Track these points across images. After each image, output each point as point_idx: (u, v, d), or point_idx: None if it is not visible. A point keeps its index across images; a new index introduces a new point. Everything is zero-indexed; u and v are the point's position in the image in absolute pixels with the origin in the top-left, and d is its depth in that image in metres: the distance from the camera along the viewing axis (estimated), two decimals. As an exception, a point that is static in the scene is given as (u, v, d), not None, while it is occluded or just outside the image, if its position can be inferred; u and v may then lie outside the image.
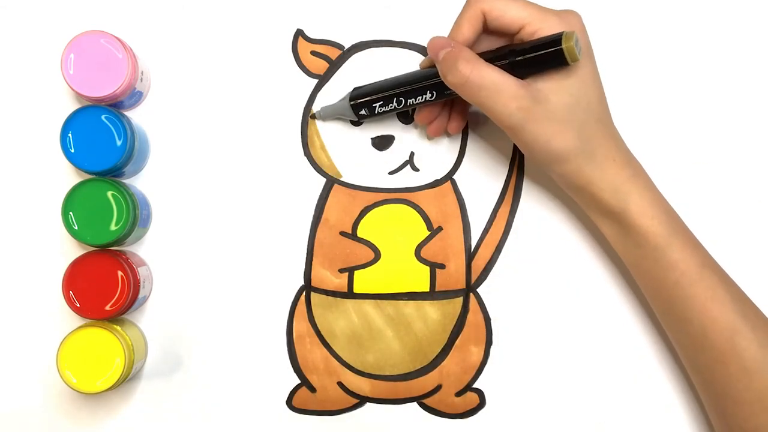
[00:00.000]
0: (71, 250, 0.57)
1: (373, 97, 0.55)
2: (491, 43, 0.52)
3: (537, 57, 0.49)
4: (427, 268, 0.58)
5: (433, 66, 0.52)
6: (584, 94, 0.50)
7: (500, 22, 0.50)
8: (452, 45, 0.50)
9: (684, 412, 0.58)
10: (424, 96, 0.54)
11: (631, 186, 0.51)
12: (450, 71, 0.49)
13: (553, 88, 0.49)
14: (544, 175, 0.59)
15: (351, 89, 0.57)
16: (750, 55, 0.59)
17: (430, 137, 0.58)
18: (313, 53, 0.59)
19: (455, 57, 0.49)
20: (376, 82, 0.56)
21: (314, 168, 0.59)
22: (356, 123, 0.58)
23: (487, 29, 0.51)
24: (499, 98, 0.49)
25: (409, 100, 0.54)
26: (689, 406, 0.57)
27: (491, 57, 0.50)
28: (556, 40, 0.48)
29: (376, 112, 0.55)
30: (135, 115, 0.58)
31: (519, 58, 0.49)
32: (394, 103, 0.55)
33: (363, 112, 0.56)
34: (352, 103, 0.56)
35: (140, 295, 0.56)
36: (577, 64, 0.49)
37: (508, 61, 0.49)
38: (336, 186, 0.59)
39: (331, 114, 0.58)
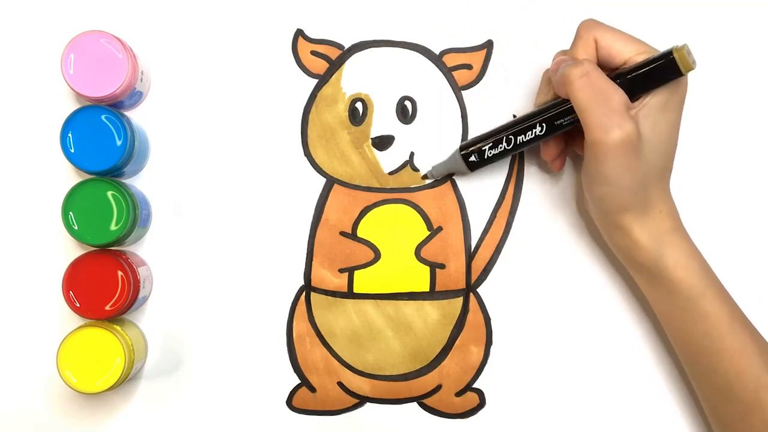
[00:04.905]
0: (71, 250, 0.57)
1: (482, 142, 0.55)
2: None
3: (650, 70, 0.49)
4: (427, 268, 0.58)
5: (545, 103, 0.53)
6: (666, 139, 0.50)
7: (607, 53, 0.51)
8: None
9: (682, 413, 0.58)
10: (533, 131, 0.53)
11: (670, 237, 0.51)
12: (575, 64, 0.49)
13: (645, 122, 0.49)
14: (544, 176, 0.59)
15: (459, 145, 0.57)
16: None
17: (552, 171, 0.58)
18: (313, 53, 0.59)
19: (581, 60, 0.50)
20: (484, 132, 0.56)
21: (314, 168, 0.59)
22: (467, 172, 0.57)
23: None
24: (607, 106, 0.48)
25: (519, 138, 0.53)
26: (687, 407, 0.58)
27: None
28: (668, 52, 0.48)
29: (485, 156, 0.55)
30: (135, 115, 0.58)
31: (631, 75, 0.49)
32: (504, 144, 0.54)
33: (473, 158, 0.55)
34: (462, 153, 0.56)
35: (140, 295, 0.56)
36: (670, 109, 0.50)
37: (620, 81, 0.49)
38: (336, 186, 0.59)
39: (442, 171, 0.58)
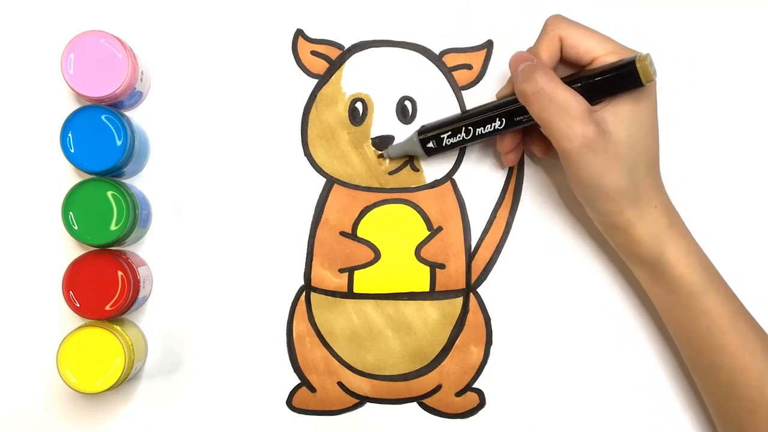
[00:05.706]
0: (71, 250, 0.57)
1: (441, 129, 0.55)
2: (562, 73, 0.52)
3: (611, 78, 0.49)
4: (427, 268, 0.58)
5: (508, 96, 0.53)
6: (643, 135, 0.50)
7: (575, 51, 0.51)
8: (534, 60, 0.50)
9: (684, 412, 0.58)
10: (493, 124, 0.53)
11: (669, 233, 0.51)
12: (526, 79, 0.49)
13: (616, 122, 0.49)
14: (544, 176, 0.59)
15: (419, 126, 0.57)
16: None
17: (504, 166, 0.58)
18: (313, 53, 0.59)
19: (534, 68, 0.49)
20: (444, 118, 0.56)
21: (314, 168, 0.59)
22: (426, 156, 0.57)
23: (561, 58, 0.52)
24: (566, 116, 0.48)
25: (477, 130, 0.54)
26: (689, 405, 0.58)
27: (565, 80, 0.50)
28: (630, 61, 0.48)
29: (444, 144, 0.55)
30: (135, 115, 0.58)
31: (592, 81, 0.49)
32: (463, 133, 0.54)
33: (431, 144, 0.55)
34: (420, 137, 0.56)
35: (140, 295, 0.56)
36: (641, 105, 0.49)
37: (581, 84, 0.49)
38: (336, 186, 0.59)
39: (399, 152, 0.58)
